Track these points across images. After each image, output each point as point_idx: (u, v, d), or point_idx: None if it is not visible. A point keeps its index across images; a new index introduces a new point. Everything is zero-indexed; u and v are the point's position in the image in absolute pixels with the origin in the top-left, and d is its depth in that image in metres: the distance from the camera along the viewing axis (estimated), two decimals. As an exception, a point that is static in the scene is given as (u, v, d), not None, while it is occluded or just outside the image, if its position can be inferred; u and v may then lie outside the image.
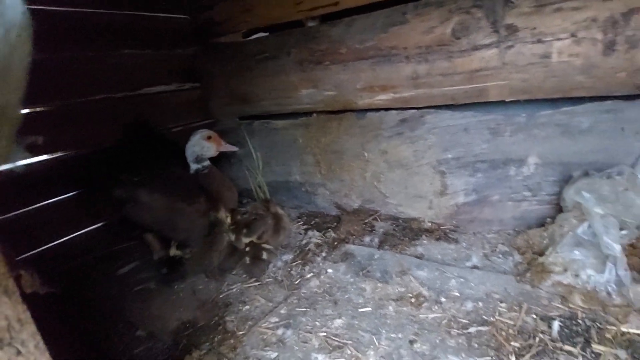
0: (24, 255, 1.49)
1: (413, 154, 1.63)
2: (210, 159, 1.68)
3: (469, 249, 1.44)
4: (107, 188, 1.48)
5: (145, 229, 1.53)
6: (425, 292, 1.21)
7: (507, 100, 1.44)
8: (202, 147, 1.64)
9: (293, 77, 1.92)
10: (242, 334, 1.14)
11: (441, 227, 1.59)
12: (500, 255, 1.37)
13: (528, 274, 1.22)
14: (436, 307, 1.14)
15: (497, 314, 1.09)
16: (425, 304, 1.16)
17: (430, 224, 1.62)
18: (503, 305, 1.13)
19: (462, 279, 1.25)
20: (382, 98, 1.70)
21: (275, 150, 2.06)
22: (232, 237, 1.50)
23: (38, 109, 1.54)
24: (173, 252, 1.50)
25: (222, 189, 1.66)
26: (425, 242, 1.51)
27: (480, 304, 1.14)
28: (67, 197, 1.63)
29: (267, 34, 2.10)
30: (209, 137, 1.66)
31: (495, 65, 1.39)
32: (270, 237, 1.53)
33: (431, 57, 1.51)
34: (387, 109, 1.72)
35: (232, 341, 1.10)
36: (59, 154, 1.61)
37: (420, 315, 1.12)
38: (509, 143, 1.48)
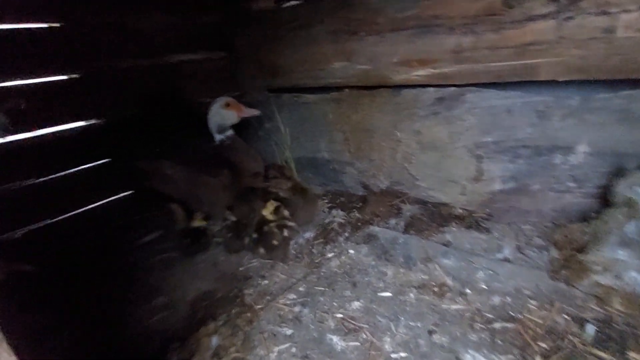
0: (53, 220, 1.57)
1: (448, 136, 1.52)
2: (236, 129, 1.64)
3: (501, 239, 1.35)
4: (131, 159, 1.51)
5: (170, 199, 1.56)
6: (449, 282, 1.15)
7: (559, 80, 1.29)
8: (221, 115, 1.58)
9: (326, 49, 1.83)
10: (259, 308, 1.15)
11: (473, 215, 1.50)
12: (535, 249, 1.28)
13: (564, 271, 1.12)
14: (460, 299, 1.09)
15: (525, 311, 1.02)
16: (448, 294, 1.10)
17: (461, 211, 1.53)
18: (533, 302, 1.05)
19: (490, 271, 1.18)
20: (420, 74, 1.58)
21: (304, 125, 2.01)
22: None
23: (64, 77, 1.57)
24: (197, 223, 1.52)
25: (246, 159, 1.63)
26: (454, 229, 1.43)
27: (509, 299, 1.07)
28: (95, 165, 1.68)
29: (301, 1, 2.00)
30: (227, 104, 1.60)
31: (550, 39, 1.24)
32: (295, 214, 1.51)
33: (478, 28, 1.37)
34: (424, 86, 1.60)
35: (249, 314, 1.12)
36: (85, 123, 1.65)
37: (443, 306, 1.07)
38: (557, 128, 1.33)
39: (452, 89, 1.54)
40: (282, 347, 1.00)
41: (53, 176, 1.57)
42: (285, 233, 1.43)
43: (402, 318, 1.05)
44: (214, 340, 1.04)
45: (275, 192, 1.55)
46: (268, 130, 2.14)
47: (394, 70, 1.64)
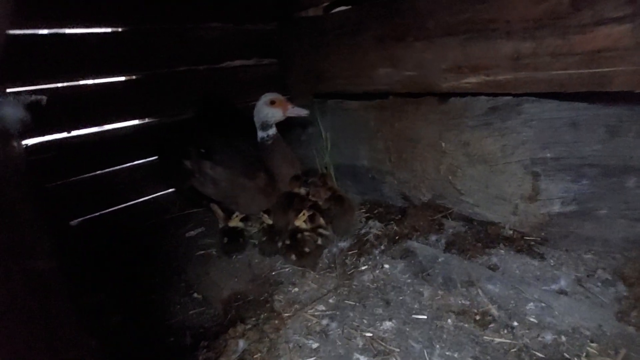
0: (107, 210, 1.69)
1: (501, 149, 1.40)
2: (282, 130, 1.63)
3: (558, 268, 1.20)
4: (179, 158, 1.58)
5: (211, 199, 1.61)
6: (494, 311, 1.04)
7: (636, 91, 1.13)
8: (265, 112, 1.57)
9: (371, 55, 1.79)
10: (287, 316, 1.13)
11: (525, 237, 1.36)
12: (599, 283, 1.12)
13: (634, 313, 0.97)
14: (505, 332, 0.98)
15: (584, 354, 0.89)
16: (492, 325, 1.00)
17: (511, 232, 1.39)
18: (593, 345, 0.91)
19: (543, 304, 1.05)
20: (471, 81, 1.48)
21: (345, 131, 1.97)
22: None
23: (123, 78, 1.69)
24: (234, 223, 1.55)
25: (284, 163, 1.62)
26: (502, 251, 1.31)
27: (563, 338, 0.94)
28: (147, 161, 1.80)
29: (349, 7, 1.99)
30: (273, 102, 1.57)
31: (625, 45, 1.09)
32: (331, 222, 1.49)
33: (540, 33, 1.25)
34: (475, 94, 1.50)
35: (276, 322, 1.10)
36: (140, 121, 1.77)
37: (485, 337, 0.97)
38: (631, 146, 1.17)
39: (507, 98, 1.42)
40: (307, 360, 0.97)
41: (108, 170, 1.70)
42: (319, 241, 1.40)
43: (437, 346, 0.96)
44: (241, 344, 1.03)
45: (314, 201, 1.54)
46: (310, 135, 2.13)
47: (443, 77, 1.55)
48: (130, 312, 1.18)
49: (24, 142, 1.43)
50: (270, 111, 1.57)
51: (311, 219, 1.43)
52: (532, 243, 1.33)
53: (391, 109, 1.77)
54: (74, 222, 1.61)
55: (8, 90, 1.37)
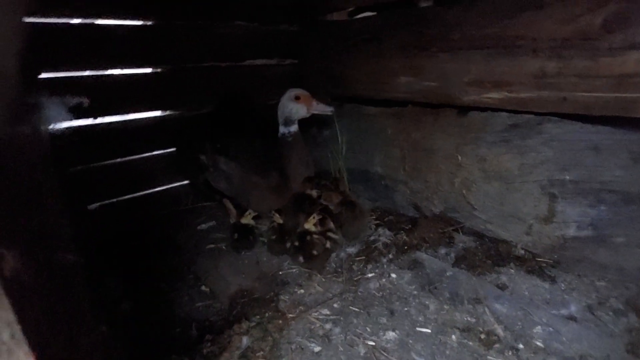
0: (122, 198, 1.74)
1: (519, 167, 1.38)
2: (304, 128, 1.60)
3: (569, 293, 1.18)
4: (195, 151, 1.60)
5: (224, 194, 1.63)
6: (499, 331, 1.03)
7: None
8: (289, 108, 1.54)
9: (393, 62, 1.79)
10: (291, 317, 1.14)
11: (536, 259, 1.34)
12: (611, 312, 1.10)
13: (646, 346, 0.95)
14: (510, 353, 0.97)
15: (590, 384, 0.88)
16: (496, 346, 0.99)
17: (523, 252, 1.38)
18: (601, 375, 0.90)
19: (550, 328, 1.04)
20: (493, 96, 1.47)
21: (361, 137, 1.98)
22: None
23: (151, 70, 1.74)
24: (246, 220, 1.57)
25: (299, 164, 1.63)
26: (512, 271, 1.29)
27: (570, 365, 0.93)
28: (166, 152, 1.84)
29: (374, 13, 1.99)
30: (298, 97, 1.55)
31: (658, 72, 1.07)
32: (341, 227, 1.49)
33: (567, 52, 1.23)
34: (495, 110, 1.49)
35: (280, 321, 1.11)
36: (162, 113, 1.81)
37: (489, 357, 0.96)
38: (656, 175, 1.14)
39: (529, 116, 1.41)
40: (308, 363, 0.98)
41: (128, 158, 1.75)
42: (328, 245, 1.41)
43: (440, 360, 0.96)
44: (245, 341, 1.05)
45: (325, 205, 1.54)
46: (326, 137, 2.14)
47: (464, 90, 1.54)
48: (139, 300, 1.21)
49: (50, 127, 1.49)
50: (295, 107, 1.55)
51: (321, 222, 1.44)
52: (544, 265, 1.31)
53: (409, 117, 1.76)
54: (92, 207, 1.66)
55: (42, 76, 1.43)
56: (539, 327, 1.04)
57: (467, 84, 1.52)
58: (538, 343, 0.99)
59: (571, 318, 1.09)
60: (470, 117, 1.54)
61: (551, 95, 1.32)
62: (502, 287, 1.22)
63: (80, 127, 1.57)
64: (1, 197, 0.38)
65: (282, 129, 1.62)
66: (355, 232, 1.55)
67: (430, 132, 1.66)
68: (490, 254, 1.39)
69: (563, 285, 1.22)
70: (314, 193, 1.61)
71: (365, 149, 1.96)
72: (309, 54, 2.25)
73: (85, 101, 0.92)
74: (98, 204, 1.67)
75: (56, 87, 1.47)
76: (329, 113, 1.65)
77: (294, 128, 1.61)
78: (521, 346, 0.99)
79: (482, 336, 1.02)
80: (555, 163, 1.31)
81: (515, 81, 1.39)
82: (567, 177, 1.28)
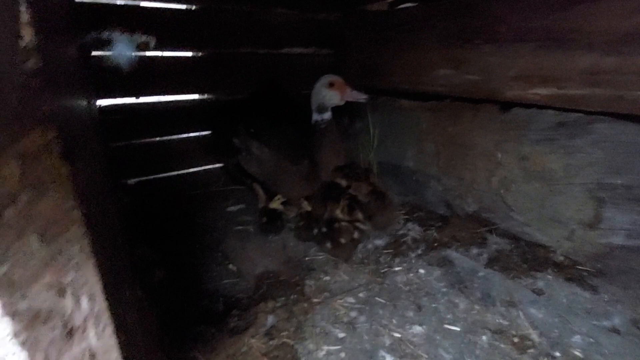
0: (158, 175, 1.81)
1: (564, 168, 1.30)
2: (338, 116, 1.60)
3: (612, 305, 1.10)
4: (229, 135, 1.63)
5: (254, 178, 1.65)
6: (534, 337, 0.98)
7: None
8: (323, 95, 1.52)
9: (432, 54, 1.73)
10: (316, 302, 1.14)
11: (577, 266, 1.27)
12: (659, 329, 1.02)
13: (700, 367, 0.87)
14: None
15: (633, 400, 0.82)
16: (531, 350, 0.94)
17: (562, 258, 1.30)
18: (645, 393, 0.84)
19: (591, 339, 0.97)
20: (539, 92, 1.39)
21: (394, 130, 1.94)
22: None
23: (192, 54, 1.77)
24: (275, 205, 1.58)
25: (331, 152, 1.61)
26: (549, 277, 1.22)
27: (611, 378, 0.87)
28: (201, 135, 1.89)
29: (415, 4, 1.93)
30: (332, 84, 1.53)
31: None
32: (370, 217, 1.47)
33: (626, 48, 1.14)
34: (541, 107, 1.41)
35: (305, 305, 1.11)
36: (199, 96, 1.85)
37: (521, 361, 0.92)
38: None
39: (578, 114, 1.31)
40: (332, 348, 0.97)
41: (166, 138, 1.81)
42: (355, 235, 1.40)
43: None
44: (270, 319, 1.06)
45: (354, 195, 1.53)
46: (358, 129, 2.12)
47: (508, 85, 1.47)
48: (171, 270, 1.25)
49: (98, 103, 1.56)
50: (329, 93, 1.53)
51: (350, 211, 1.43)
52: (585, 274, 1.24)
53: (447, 112, 1.70)
54: (131, 182, 1.73)
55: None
56: (578, 336, 0.98)
57: (511, 79, 1.45)
58: (577, 352, 0.93)
59: (614, 330, 1.01)
60: (514, 113, 1.46)
61: (605, 93, 1.23)
62: (539, 293, 1.16)
63: (124, 105, 1.63)
64: (82, 152, 0.40)
65: (316, 116, 1.61)
66: (383, 223, 1.53)
67: (468, 127, 1.60)
68: (527, 258, 1.33)
69: (606, 296, 1.14)
70: (344, 182, 1.59)
71: (398, 143, 1.92)
72: (345, 44, 2.22)
73: (152, 40, 0.95)
74: (137, 179, 1.75)
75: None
76: (363, 100, 1.62)
77: (327, 116, 1.59)
78: (558, 354, 0.93)
79: (515, 339, 0.97)
80: (605, 165, 1.22)
81: (566, 77, 1.31)
82: (619, 182, 1.20)
